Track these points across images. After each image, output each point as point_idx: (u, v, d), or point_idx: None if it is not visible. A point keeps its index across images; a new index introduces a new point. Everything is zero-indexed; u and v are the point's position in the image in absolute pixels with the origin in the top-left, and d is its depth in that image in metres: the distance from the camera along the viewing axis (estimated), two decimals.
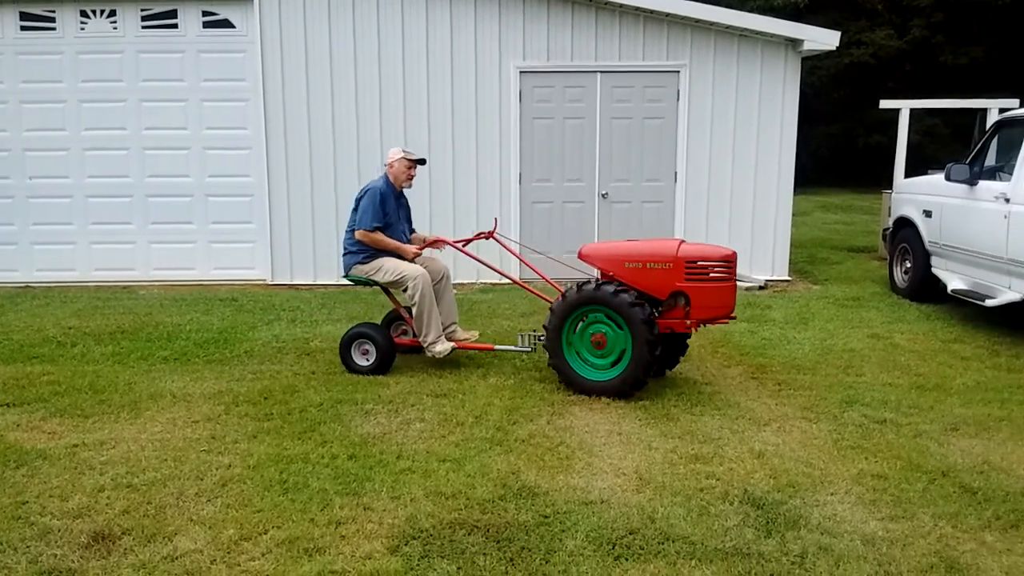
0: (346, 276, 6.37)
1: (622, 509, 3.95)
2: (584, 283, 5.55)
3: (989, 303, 7.25)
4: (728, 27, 9.57)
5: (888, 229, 9.53)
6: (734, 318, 5.65)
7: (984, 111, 12.08)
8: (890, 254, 9.39)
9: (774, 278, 9.71)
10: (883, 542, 3.66)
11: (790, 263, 10.13)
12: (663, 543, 3.64)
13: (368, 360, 6.16)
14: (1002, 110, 10.63)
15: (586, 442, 4.81)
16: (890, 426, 5.09)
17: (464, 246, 6.43)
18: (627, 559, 3.51)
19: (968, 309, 8.05)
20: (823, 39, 9.50)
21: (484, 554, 3.53)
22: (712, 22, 9.51)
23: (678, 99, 9.72)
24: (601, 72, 9.74)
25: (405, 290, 6.13)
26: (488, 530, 3.75)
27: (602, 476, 4.34)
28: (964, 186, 7.78)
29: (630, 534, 3.71)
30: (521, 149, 9.87)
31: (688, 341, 6.25)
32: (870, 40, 24.29)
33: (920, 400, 5.58)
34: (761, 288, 9.33)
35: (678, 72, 9.70)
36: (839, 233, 14.44)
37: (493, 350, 6.47)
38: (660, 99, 9.77)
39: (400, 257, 6.21)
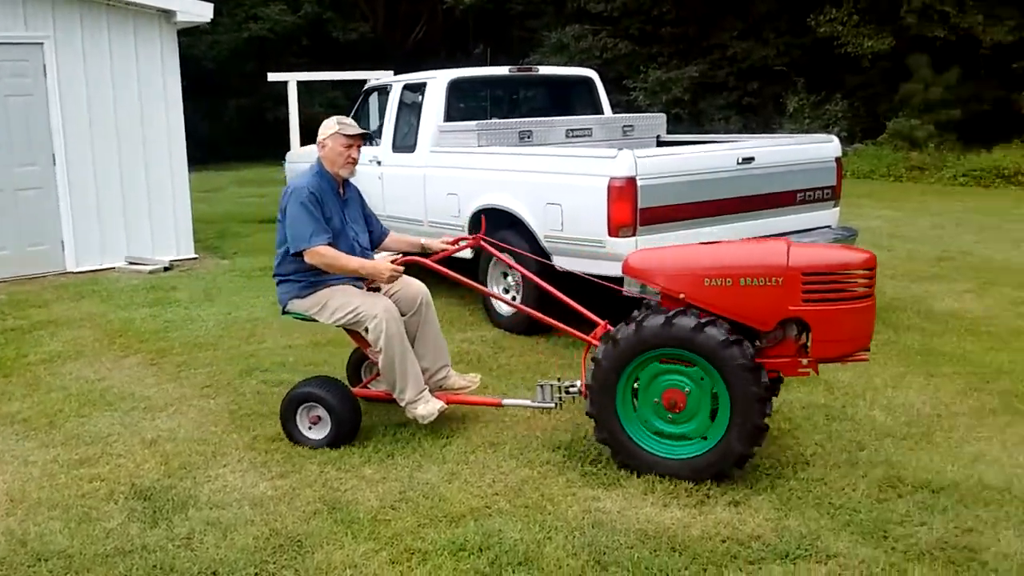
0: (283, 312, 4.65)
1: None
2: (648, 311, 3.81)
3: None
4: None
5: None
6: (868, 351, 3.82)
7: (366, 82, 13.15)
8: None
9: (180, 257, 9.45)
10: (271, 501, 3.77)
11: (197, 241, 9.95)
12: (35, 565, 3.28)
13: (322, 432, 4.39)
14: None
15: None
16: (287, 386, 5.16)
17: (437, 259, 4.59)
18: None
19: None
20: (196, 11, 9.34)
21: None
22: None
23: (45, 75, 8.77)
24: None
25: (364, 331, 4.38)
26: None
27: None
28: None
29: None
30: None
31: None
32: (266, 15, 24.89)
33: (315, 356, 5.88)
34: (166, 269, 9.01)
35: (41, 45, 8.73)
36: (252, 206, 14.64)
37: (500, 406, 4.54)
38: (24, 74, 8.71)
39: (360, 281, 4.47)
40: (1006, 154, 15.22)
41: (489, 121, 7.15)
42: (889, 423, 4.46)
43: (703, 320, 3.61)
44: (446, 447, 4.28)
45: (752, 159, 5.82)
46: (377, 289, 4.50)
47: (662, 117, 7.98)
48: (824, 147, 6.43)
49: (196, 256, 9.65)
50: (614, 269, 5.18)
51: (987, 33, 16.48)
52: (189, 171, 9.75)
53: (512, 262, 5.06)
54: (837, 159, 6.43)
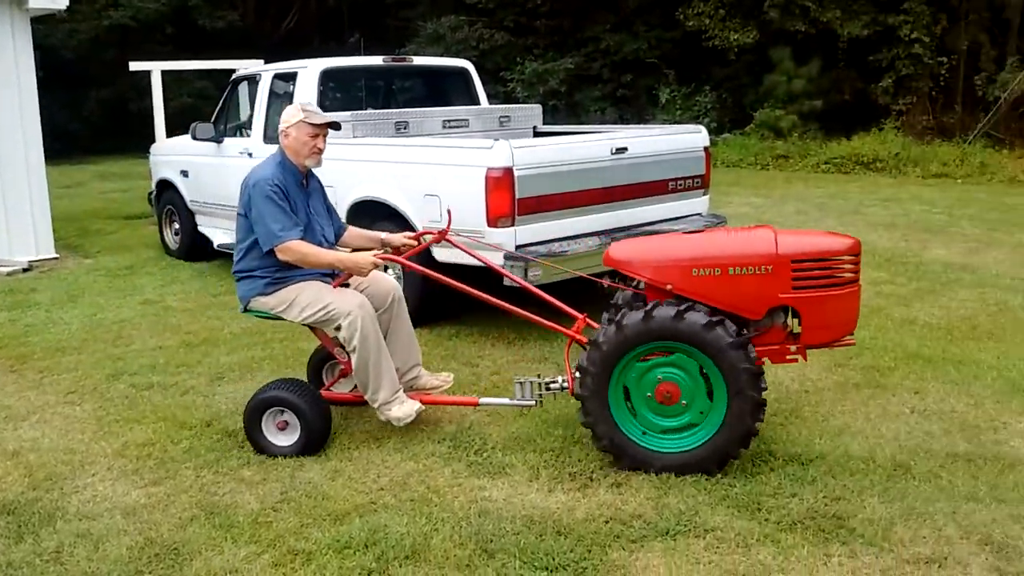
0: (244, 310, 4.32)
1: None
2: (639, 304, 3.74)
3: None
4: None
5: (153, 192, 9.48)
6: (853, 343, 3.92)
7: (234, 71, 12.73)
8: (159, 217, 9.37)
9: (40, 258, 8.92)
10: (144, 509, 3.62)
11: (58, 239, 9.42)
12: None
13: (290, 438, 4.10)
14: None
15: None
16: (157, 390, 5.07)
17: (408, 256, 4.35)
18: None
19: None
20: None
21: None
22: None
23: None
24: None
25: (336, 329, 4.12)
26: None
27: None
28: (213, 144, 8.06)
29: None
30: None
31: None
32: (127, 2, 23.75)
33: (188, 357, 5.67)
34: (25, 270, 8.50)
35: None
36: (116, 202, 13.97)
37: (478, 406, 4.38)
38: None
39: (329, 276, 4.22)
40: (864, 142, 16.09)
41: (364, 112, 7.04)
42: None
43: (711, 317, 3.52)
44: (329, 444, 4.20)
45: (625, 149, 5.94)
46: (346, 285, 4.27)
47: (538, 108, 8.04)
48: (693, 137, 6.62)
49: (57, 256, 9.13)
50: (494, 259, 5.21)
51: (844, 27, 17.37)
52: (48, 165, 9.21)
53: (500, 267, 4.87)
54: (706, 148, 6.64)
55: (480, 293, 4.11)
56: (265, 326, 6.30)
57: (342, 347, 4.24)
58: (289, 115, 4.16)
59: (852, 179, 14.68)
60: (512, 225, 5.36)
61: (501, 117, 7.55)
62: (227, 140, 7.98)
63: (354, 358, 4.06)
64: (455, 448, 4.12)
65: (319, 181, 4.44)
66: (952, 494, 3.56)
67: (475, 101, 8.10)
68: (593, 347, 3.67)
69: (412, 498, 3.65)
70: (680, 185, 6.41)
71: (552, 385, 3.99)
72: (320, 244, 4.17)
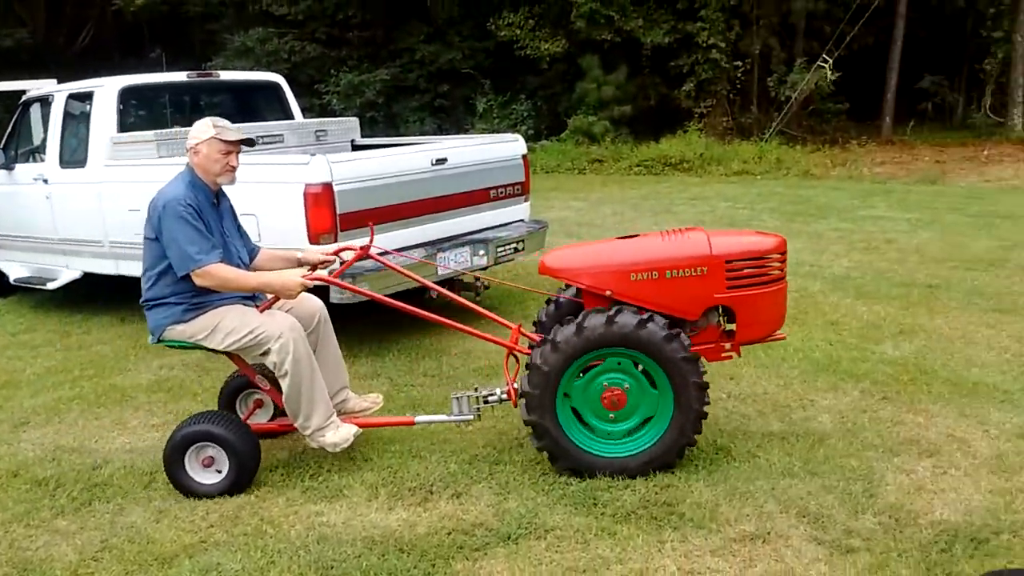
0: (157, 341, 3.95)
1: None
2: (589, 311, 3.64)
3: (51, 286, 7.19)
4: None
5: None
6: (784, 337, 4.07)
7: (24, 92, 11.82)
8: None
9: None
10: None
11: None
12: None
13: (218, 475, 3.81)
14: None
15: None
16: None
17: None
18: None
19: (37, 296, 7.86)
20: None
21: None
22: None
23: None
24: None
25: (264, 354, 3.80)
26: None
27: None
28: (3, 171, 7.46)
29: None
30: None
31: None
32: None
33: None
34: None
35: None
36: None
37: (414, 424, 4.11)
38: None
39: (251, 300, 3.99)
40: (671, 144, 16.93)
41: (170, 130, 6.71)
42: None
43: (643, 317, 3.58)
44: (150, 485, 3.97)
45: (445, 160, 5.96)
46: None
47: (355, 121, 7.94)
48: (511, 146, 6.74)
49: None
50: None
51: (647, 35, 18.23)
52: None
53: (424, 280, 4.59)
54: (524, 156, 6.77)
55: (412, 308, 3.95)
56: (72, 363, 5.90)
57: (264, 374, 4.06)
58: (199, 131, 3.88)
59: (662, 180, 15.40)
60: (335, 241, 5.26)
61: (317, 131, 7.40)
62: (19, 167, 7.40)
63: (285, 383, 3.81)
64: (288, 475, 3.99)
65: (229, 200, 4.17)
66: (770, 472, 3.79)
67: (289, 115, 7.91)
68: (549, 345, 3.62)
69: (245, 532, 3.50)
70: (502, 193, 6.50)
71: (490, 398, 3.95)
72: (236, 267, 3.90)
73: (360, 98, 19.80)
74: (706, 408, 3.68)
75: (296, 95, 8.18)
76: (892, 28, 19.27)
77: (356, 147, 7.66)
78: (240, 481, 3.81)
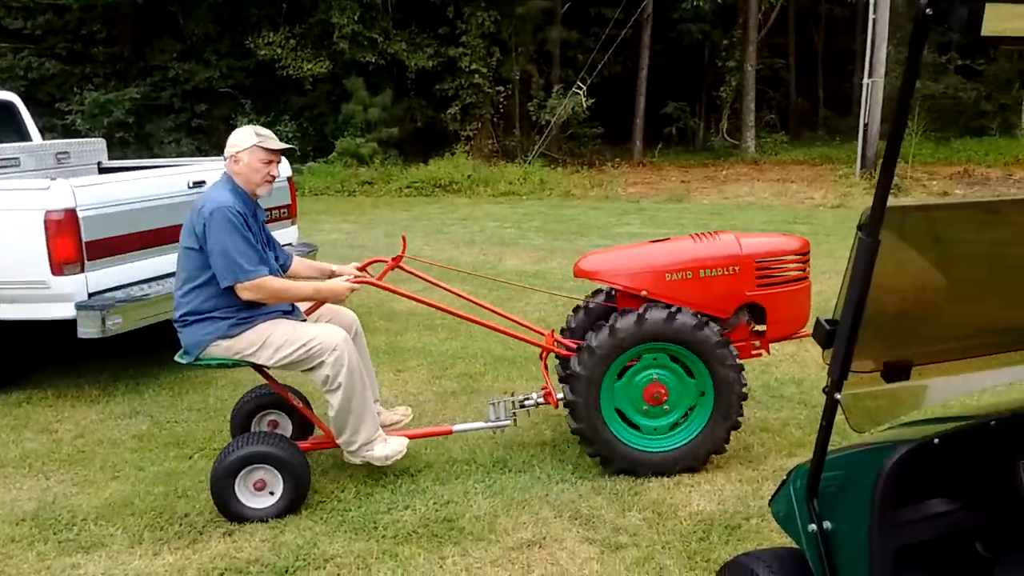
0: (196, 360, 3.65)
1: None
2: (619, 312, 3.74)
3: None
4: None
5: None
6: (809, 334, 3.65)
7: None
8: None
9: None
10: None
11: None
12: None
13: (270, 499, 3.58)
14: None
15: None
16: None
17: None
18: None
19: None
20: None
21: None
22: None
23: None
24: None
25: (311, 370, 3.63)
26: None
27: None
28: None
29: None
30: None
31: None
32: None
33: None
34: None
35: None
36: None
37: (451, 433, 4.08)
38: None
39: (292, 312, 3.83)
40: (440, 166, 17.17)
41: None
42: None
43: (672, 310, 3.67)
44: None
45: (204, 182, 5.69)
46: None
47: (102, 142, 7.42)
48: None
49: None
50: (64, 311, 4.72)
51: (411, 59, 18.45)
52: None
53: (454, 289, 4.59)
54: (289, 179, 6.61)
55: (450, 308, 4.08)
56: None
57: (297, 394, 4.04)
58: (240, 138, 3.75)
59: (432, 201, 15.60)
60: (82, 271, 4.87)
61: (58, 154, 6.85)
62: None
63: (336, 397, 3.65)
64: (39, 527, 3.63)
65: (263, 210, 3.98)
66: (544, 479, 3.92)
67: (25, 137, 7.26)
68: (586, 352, 3.71)
69: None
70: (267, 216, 6.29)
71: (527, 402, 4.04)
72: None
73: (108, 118, 18.48)
74: (745, 390, 3.81)
75: (34, 115, 7.53)
76: (638, 57, 20.76)
77: (104, 170, 7.15)
78: (296, 499, 3.65)
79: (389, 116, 18.59)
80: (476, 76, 18.61)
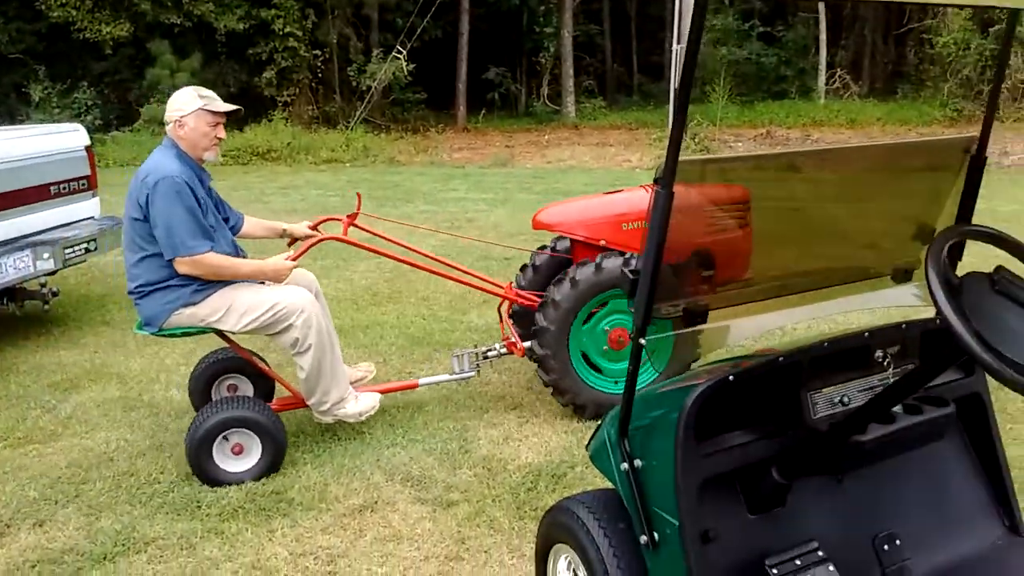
0: (157, 332, 3.55)
1: None
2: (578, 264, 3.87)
3: None
4: None
5: None
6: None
7: None
8: None
9: None
10: None
11: None
12: None
13: (248, 462, 3.58)
14: None
15: None
16: None
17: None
18: None
19: None
20: None
21: None
22: None
23: None
24: None
25: (279, 333, 3.55)
26: None
27: None
28: None
29: None
30: None
31: None
32: None
33: None
34: None
35: None
36: None
37: (417, 388, 4.15)
38: None
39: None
40: (257, 133, 16.55)
41: None
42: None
43: (627, 256, 3.80)
44: None
45: None
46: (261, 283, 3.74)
47: None
48: (72, 136, 6.09)
49: None
50: None
51: (220, 20, 17.59)
52: None
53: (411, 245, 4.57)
54: (88, 148, 6.19)
55: (414, 262, 4.25)
56: None
57: (259, 356, 4.00)
58: (183, 102, 3.57)
59: (250, 170, 15.04)
60: None
61: None
62: None
63: (306, 359, 3.60)
64: None
65: (208, 174, 3.78)
66: (375, 445, 3.92)
67: None
68: (551, 306, 3.84)
69: None
70: (65, 189, 5.88)
71: (490, 353, 4.16)
72: (226, 253, 3.60)
73: None
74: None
75: None
76: (458, 22, 20.72)
77: None
78: (273, 462, 3.63)
79: (199, 81, 17.63)
80: (291, 39, 18.01)
